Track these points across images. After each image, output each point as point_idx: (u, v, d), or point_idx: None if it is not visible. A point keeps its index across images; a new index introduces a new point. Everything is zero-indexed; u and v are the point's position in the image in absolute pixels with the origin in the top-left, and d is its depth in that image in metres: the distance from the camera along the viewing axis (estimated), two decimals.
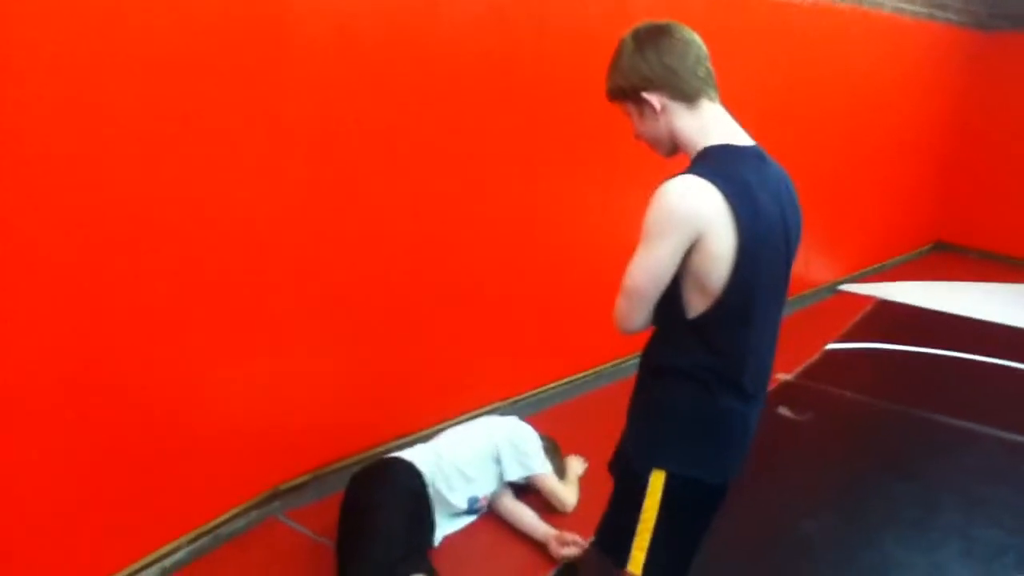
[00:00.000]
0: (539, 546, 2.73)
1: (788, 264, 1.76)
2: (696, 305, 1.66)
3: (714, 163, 1.64)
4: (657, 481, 1.75)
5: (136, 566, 2.40)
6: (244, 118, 2.42)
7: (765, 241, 1.64)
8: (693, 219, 1.58)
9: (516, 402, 3.74)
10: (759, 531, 3.02)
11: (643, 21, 1.72)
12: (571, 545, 2.65)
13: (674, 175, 1.63)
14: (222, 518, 2.67)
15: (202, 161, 2.33)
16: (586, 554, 2.17)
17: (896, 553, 2.94)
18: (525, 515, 2.83)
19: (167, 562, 2.48)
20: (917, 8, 6.33)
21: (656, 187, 1.63)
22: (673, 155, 1.78)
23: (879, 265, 7.07)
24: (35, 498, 2.08)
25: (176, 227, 2.31)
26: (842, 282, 6.44)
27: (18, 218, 1.92)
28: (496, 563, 2.69)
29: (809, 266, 5.84)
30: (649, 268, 1.64)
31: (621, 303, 1.71)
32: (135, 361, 2.27)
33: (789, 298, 1.85)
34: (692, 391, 1.72)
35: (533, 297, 3.69)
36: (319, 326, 2.84)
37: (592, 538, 1.98)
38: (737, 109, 1.77)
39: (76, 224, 2.05)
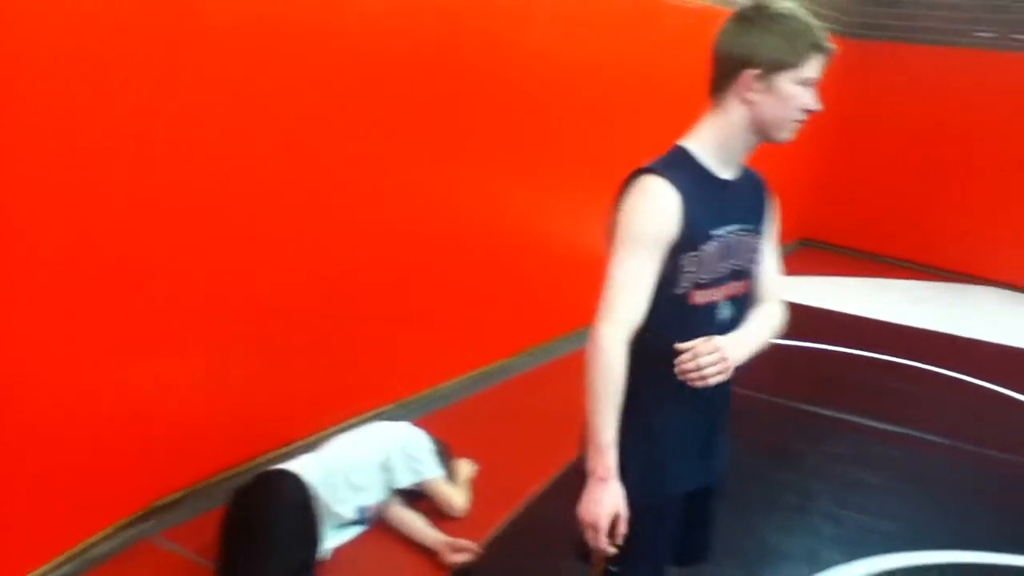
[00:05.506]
0: (430, 554, 2.70)
1: None
2: None
3: None
4: None
5: None
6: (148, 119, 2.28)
7: None
8: None
9: (402, 405, 3.68)
10: None
11: None
12: (462, 551, 2.64)
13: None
14: (90, 540, 2.51)
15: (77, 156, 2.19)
16: None
17: (773, 539, 3.06)
18: (415, 523, 2.80)
19: None
20: None
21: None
22: None
23: None
24: None
25: (49, 223, 2.18)
26: None
27: None
28: (387, 573, 2.65)
29: None
30: None
31: None
32: None
33: None
34: None
35: (414, 299, 3.65)
36: (190, 332, 2.72)
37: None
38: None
39: None
